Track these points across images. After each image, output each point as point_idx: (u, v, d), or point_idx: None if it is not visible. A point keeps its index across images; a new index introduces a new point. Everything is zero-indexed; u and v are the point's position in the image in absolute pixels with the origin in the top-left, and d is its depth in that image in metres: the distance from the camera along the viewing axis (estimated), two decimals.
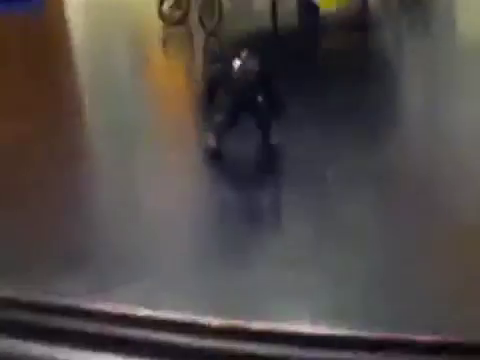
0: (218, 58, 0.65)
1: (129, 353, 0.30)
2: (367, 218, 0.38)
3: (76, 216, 0.41)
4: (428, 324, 0.27)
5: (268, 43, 0.90)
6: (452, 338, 0.26)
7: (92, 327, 0.31)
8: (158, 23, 1.05)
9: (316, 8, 0.95)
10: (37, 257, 0.36)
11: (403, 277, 0.31)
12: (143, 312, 0.30)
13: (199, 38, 0.97)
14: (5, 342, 0.31)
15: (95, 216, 0.41)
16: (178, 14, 1.05)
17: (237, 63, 0.43)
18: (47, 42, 1.07)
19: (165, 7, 1.06)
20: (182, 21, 1.05)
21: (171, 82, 0.75)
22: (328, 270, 0.32)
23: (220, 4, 0.96)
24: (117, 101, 0.67)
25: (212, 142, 0.47)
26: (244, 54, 0.44)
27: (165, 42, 1.02)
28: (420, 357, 0.27)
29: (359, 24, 0.98)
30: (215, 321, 0.28)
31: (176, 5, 1.05)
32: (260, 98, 0.46)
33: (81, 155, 0.52)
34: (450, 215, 0.37)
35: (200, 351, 0.28)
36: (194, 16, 1.00)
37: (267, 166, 0.47)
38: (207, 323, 0.28)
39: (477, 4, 1.11)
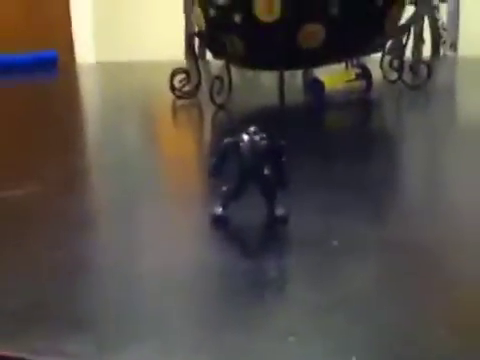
0: (228, 132, 0.68)
1: None
2: (373, 288, 0.38)
3: (80, 276, 0.42)
4: None
5: (275, 118, 0.93)
6: None
7: None
8: (169, 95, 1.09)
9: (322, 86, 0.99)
10: (40, 318, 0.36)
11: (407, 349, 0.32)
12: None
13: (209, 111, 1.00)
14: None
15: (99, 277, 0.42)
16: (189, 87, 1.10)
17: (245, 137, 0.45)
18: (59, 108, 1.11)
19: (176, 80, 1.10)
20: (193, 94, 1.09)
21: (181, 152, 0.77)
22: (331, 340, 0.33)
23: (230, 79, 1.00)
24: (127, 169, 0.69)
25: (218, 209, 0.49)
26: (252, 129, 0.46)
27: (175, 114, 1.06)
28: None
29: (363, 102, 1.02)
30: None
31: (187, 79, 1.10)
32: (266, 170, 0.48)
33: (88, 218, 0.54)
34: (454, 287, 0.38)
35: None
36: (204, 90, 1.03)
37: (272, 235, 0.48)
38: None
39: (477, 84, 1.15)
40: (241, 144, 0.46)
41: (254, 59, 0.99)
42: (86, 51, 2.08)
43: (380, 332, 0.33)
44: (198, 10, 1.01)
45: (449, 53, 1.84)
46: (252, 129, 0.46)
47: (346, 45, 0.95)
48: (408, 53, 1.41)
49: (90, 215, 0.55)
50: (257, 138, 0.46)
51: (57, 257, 0.45)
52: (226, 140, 0.47)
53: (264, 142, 0.46)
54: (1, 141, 0.86)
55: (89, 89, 1.45)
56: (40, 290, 0.40)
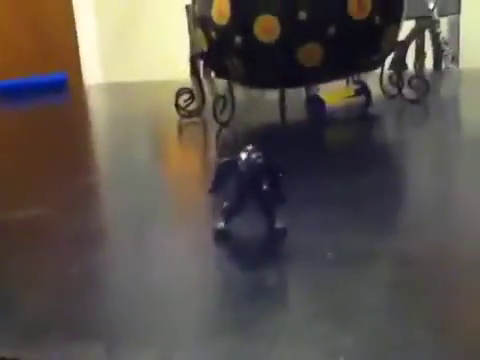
0: (228, 151, 0.71)
1: None
2: (369, 302, 0.40)
3: (85, 292, 0.45)
4: None
5: (276, 135, 0.96)
6: None
7: None
8: (175, 114, 1.12)
9: (322, 103, 1.02)
10: (57, 327, 0.39)
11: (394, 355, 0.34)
12: None
13: (213, 129, 1.03)
14: None
15: (108, 291, 0.45)
16: (193, 106, 1.13)
17: (243, 156, 0.48)
18: (69, 129, 1.14)
19: (181, 99, 1.13)
20: (197, 113, 1.12)
21: (185, 170, 0.80)
22: (324, 348, 0.35)
23: (233, 98, 1.03)
24: (133, 186, 0.72)
25: (220, 224, 0.52)
26: (249, 148, 0.48)
27: (181, 132, 1.09)
28: None
29: (363, 118, 1.04)
30: None
31: (191, 98, 1.13)
32: (265, 186, 0.50)
33: (97, 235, 0.56)
34: (449, 300, 0.40)
35: None
36: (209, 108, 1.06)
37: (272, 248, 0.51)
38: None
39: (477, 98, 1.17)
40: (239, 162, 0.48)
41: (255, 79, 1.02)
42: (94, 73, 2.13)
43: (369, 340, 0.35)
44: (199, 32, 1.04)
45: (451, 66, 1.87)
46: (249, 148, 0.49)
47: (344, 63, 0.98)
48: (411, 67, 1.43)
49: (99, 232, 0.57)
50: (254, 156, 0.48)
51: (72, 274, 0.48)
52: (224, 159, 0.50)
53: (260, 160, 0.48)
54: (13, 164, 0.89)
55: (98, 110, 1.49)
56: (57, 303, 0.43)
